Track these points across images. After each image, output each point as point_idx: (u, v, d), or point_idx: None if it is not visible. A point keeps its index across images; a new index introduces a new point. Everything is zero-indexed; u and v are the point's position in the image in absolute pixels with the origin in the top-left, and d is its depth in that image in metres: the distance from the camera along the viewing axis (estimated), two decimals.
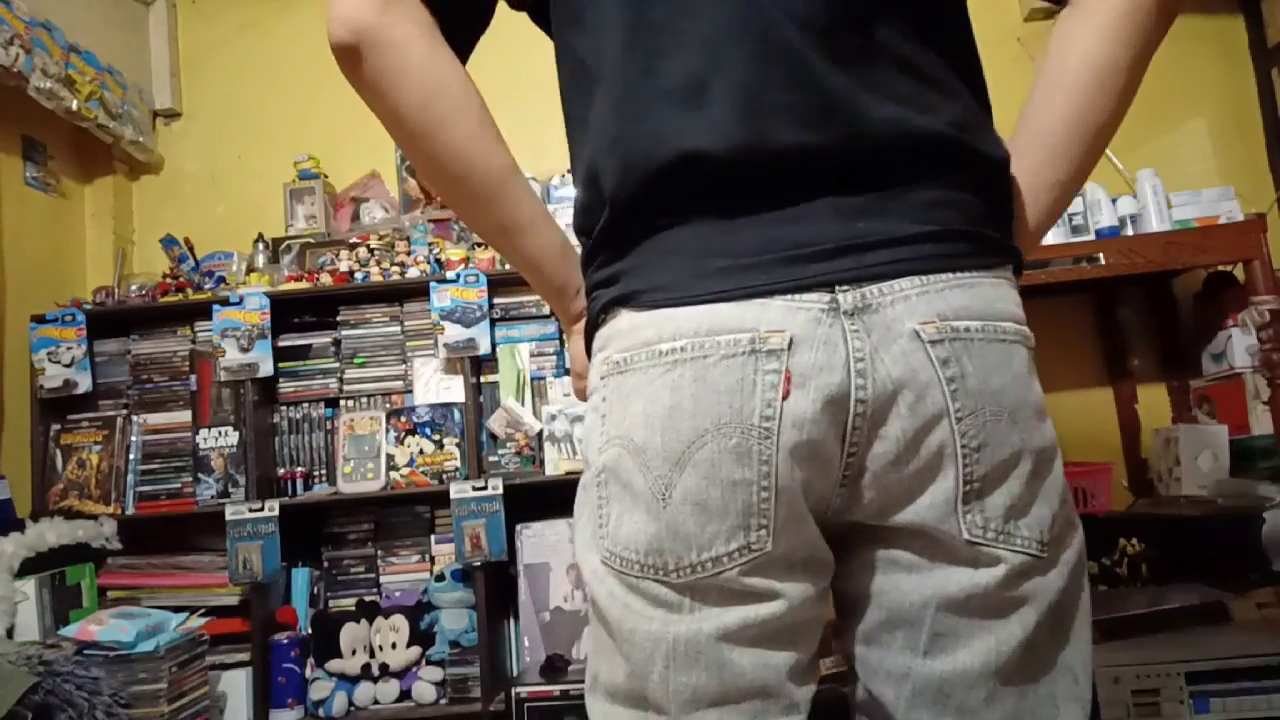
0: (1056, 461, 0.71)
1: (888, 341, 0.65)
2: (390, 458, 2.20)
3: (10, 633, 1.82)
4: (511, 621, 2.20)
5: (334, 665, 2.07)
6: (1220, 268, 2.25)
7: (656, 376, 0.66)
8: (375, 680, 2.06)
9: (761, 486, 0.65)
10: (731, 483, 0.65)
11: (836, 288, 0.65)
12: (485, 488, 2.08)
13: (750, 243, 0.66)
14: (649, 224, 0.69)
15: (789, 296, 0.65)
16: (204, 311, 2.24)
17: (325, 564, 2.27)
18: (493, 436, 2.22)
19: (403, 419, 2.22)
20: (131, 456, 2.25)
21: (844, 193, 0.67)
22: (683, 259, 0.67)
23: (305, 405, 2.29)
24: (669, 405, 0.66)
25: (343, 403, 2.29)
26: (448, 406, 2.22)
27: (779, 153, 0.66)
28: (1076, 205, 2.10)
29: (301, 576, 2.23)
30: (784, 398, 0.64)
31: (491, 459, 2.21)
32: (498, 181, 0.76)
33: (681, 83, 0.67)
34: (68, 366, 2.21)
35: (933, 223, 0.68)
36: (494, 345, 2.23)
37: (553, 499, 2.18)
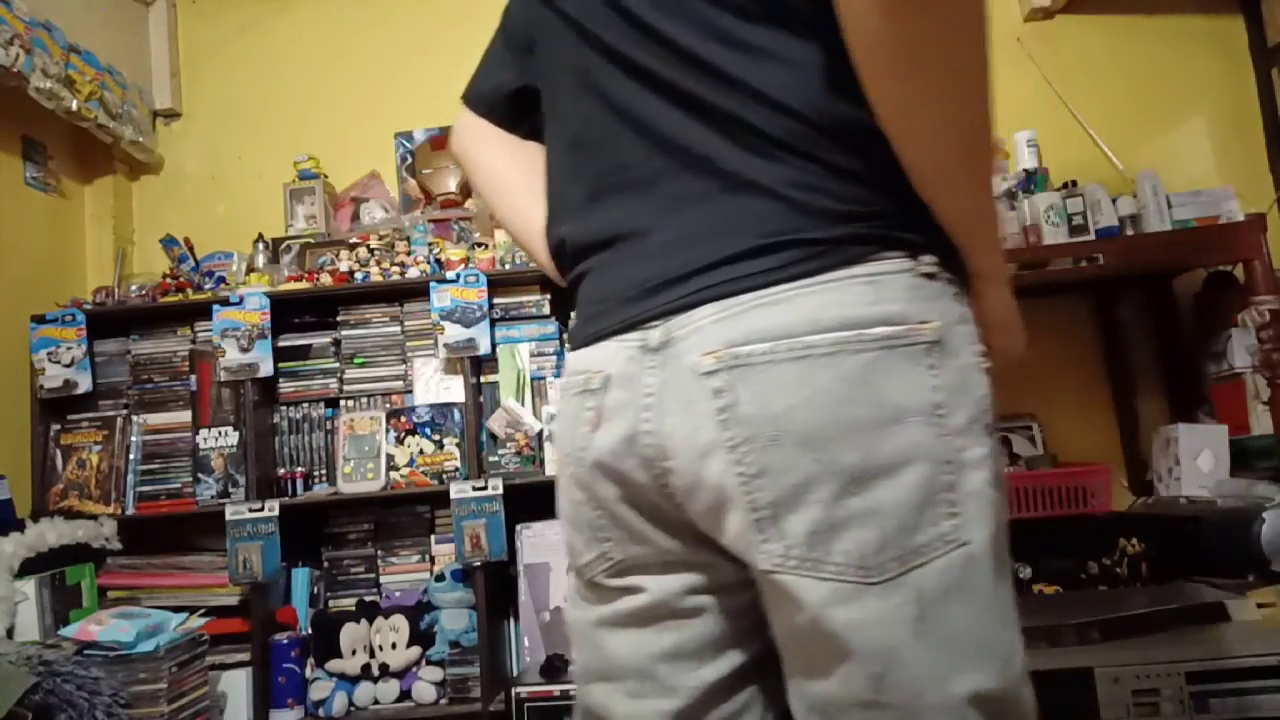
0: (904, 477, 0.63)
1: (675, 376, 0.67)
2: (390, 458, 2.20)
3: (10, 633, 1.82)
4: (511, 621, 2.20)
5: (334, 665, 2.07)
6: (1220, 268, 2.25)
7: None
8: (375, 680, 2.06)
9: (593, 506, 0.76)
10: (576, 502, 0.78)
11: (649, 325, 0.69)
12: (485, 488, 2.08)
13: (611, 287, 0.73)
14: (571, 282, 0.80)
15: (619, 337, 0.71)
16: (204, 311, 2.24)
17: (325, 564, 2.27)
18: (493, 436, 2.22)
19: (403, 419, 2.22)
20: (131, 456, 2.25)
21: (665, 222, 0.70)
22: (584, 309, 0.78)
23: (305, 405, 2.29)
24: (553, 438, 0.83)
25: (343, 403, 2.29)
26: (448, 406, 2.22)
27: (574, 205, 0.77)
28: (1076, 205, 2.10)
29: (301, 576, 2.23)
30: (594, 430, 0.73)
31: (491, 459, 2.21)
32: (533, 234, 0.91)
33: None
34: (68, 366, 2.21)
35: (750, 238, 0.66)
36: (494, 345, 2.23)
37: (552, 499, 2.17)
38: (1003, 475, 0.69)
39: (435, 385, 2.25)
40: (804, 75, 0.66)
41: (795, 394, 0.63)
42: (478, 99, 0.94)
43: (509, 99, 0.91)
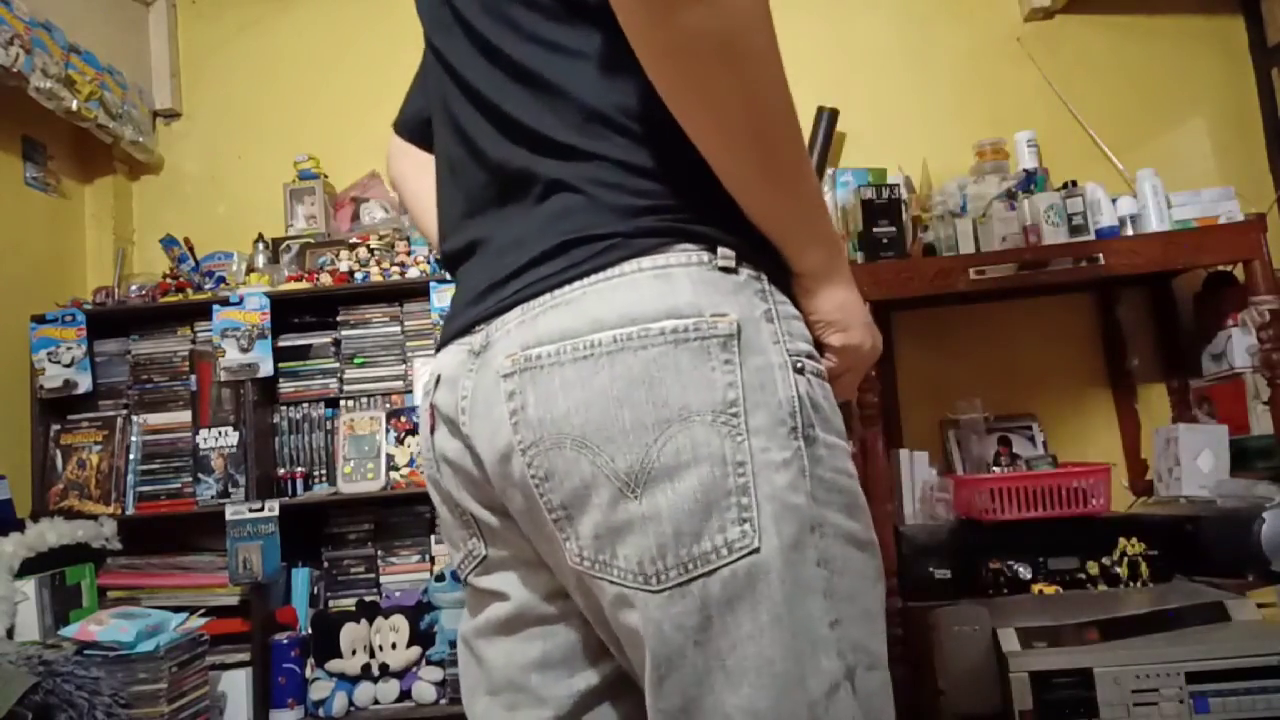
0: (685, 480, 0.60)
1: (484, 379, 0.68)
2: (390, 458, 2.20)
3: (10, 633, 1.82)
4: None
5: (334, 665, 2.07)
6: (1220, 268, 2.25)
7: None
8: (375, 680, 2.06)
9: (449, 506, 0.77)
10: (437, 502, 0.79)
11: (476, 329, 0.70)
12: None
13: (461, 294, 0.76)
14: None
15: (458, 341, 0.73)
16: (204, 311, 2.24)
17: (325, 564, 2.27)
18: None
19: (403, 419, 2.22)
20: (131, 456, 2.25)
21: (500, 231, 0.71)
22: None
23: (305, 405, 2.29)
24: None
25: (343, 403, 2.29)
26: None
27: (450, 226, 0.78)
28: (1076, 205, 2.10)
29: (301, 576, 2.23)
30: (431, 431, 0.75)
31: None
32: None
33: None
34: (68, 366, 2.21)
35: (552, 238, 0.66)
36: None
37: None
38: (829, 481, 0.64)
39: None
40: (602, 69, 0.66)
41: (574, 395, 0.62)
42: (401, 124, 0.98)
43: (427, 123, 0.93)
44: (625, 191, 0.65)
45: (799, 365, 0.65)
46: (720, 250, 0.65)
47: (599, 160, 0.66)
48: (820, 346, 0.71)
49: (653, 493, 0.60)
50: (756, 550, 0.60)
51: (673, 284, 0.63)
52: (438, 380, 0.74)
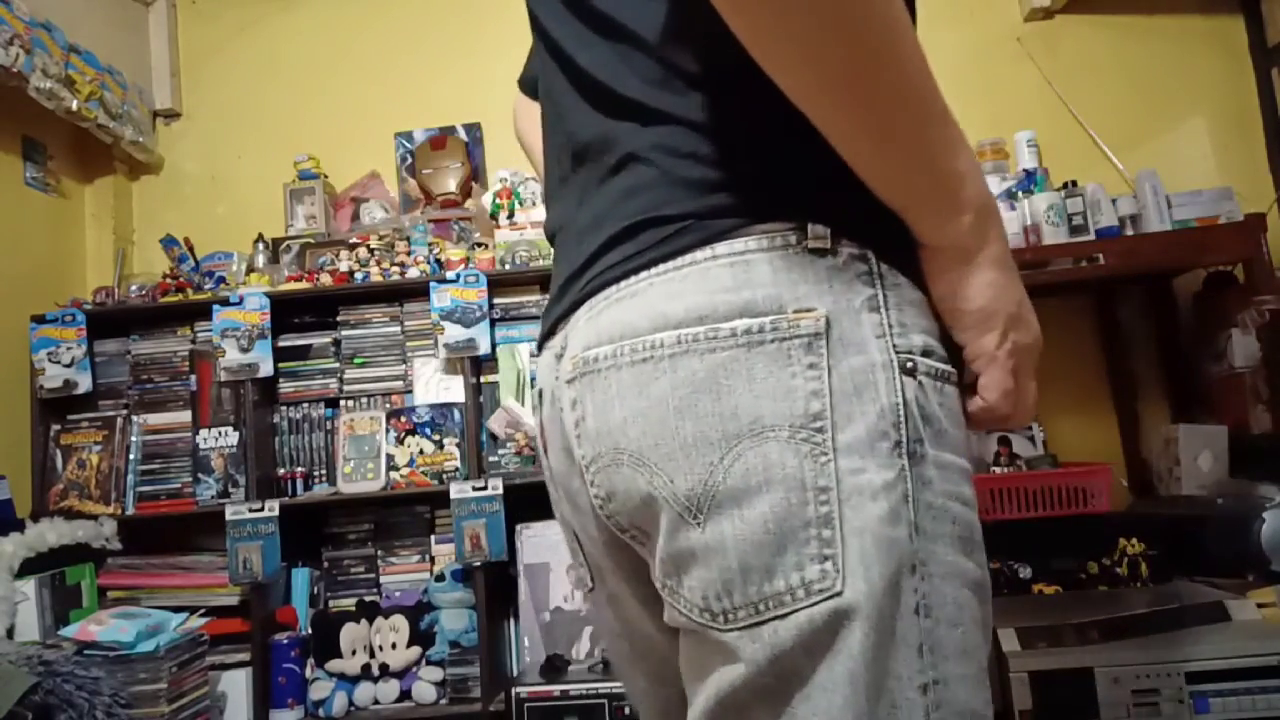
0: (755, 507, 0.51)
1: (559, 384, 0.61)
2: (390, 458, 2.20)
3: (10, 633, 1.82)
4: (511, 621, 2.19)
5: (334, 665, 2.07)
6: (1220, 268, 2.25)
7: None
8: (375, 680, 2.06)
9: (565, 527, 0.71)
10: (559, 525, 0.72)
11: (558, 330, 0.63)
12: (485, 488, 2.08)
13: (551, 286, 0.67)
14: None
15: (545, 346, 0.66)
16: (204, 311, 2.24)
17: (325, 564, 2.27)
18: (493, 436, 2.22)
19: (403, 419, 2.22)
20: (131, 456, 2.25)
21: (581, 210, 0.62)
22: None
23: (305, 405, 2.29)
24: None
25: (343, 403, 2.29)
26: (448, 406, 2.22)
27: (548, 198, 0.72)
28: (1076, 205, 2.09)
29: (301, 576, 2.23)
30: (545, 453, 0.68)
31: (491, 459, 2.21)
32: None
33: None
34: (68, 366, 2.21)
35: (622, 220, 0.57)
36: (494, 345, 2.23)
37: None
38: (940, 508, 0.54)
39: (435, 385, 2.25)
40: (675, 7, 0.56)
41: (631, 404, 0.54)
42: (523, 81, 0.91)
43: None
44: (700, 161, 0.55)
45: (909, 364, 0.54)
46: (811, 228, 0.54)
47: (672, 124, 0.56)
48: (955, 345, 0.58)
49: (717, 520, 0.52)
50: (839, 594, 0.50)
51: (751, 274, 0.53)
52: (539, 395, 0.67)
